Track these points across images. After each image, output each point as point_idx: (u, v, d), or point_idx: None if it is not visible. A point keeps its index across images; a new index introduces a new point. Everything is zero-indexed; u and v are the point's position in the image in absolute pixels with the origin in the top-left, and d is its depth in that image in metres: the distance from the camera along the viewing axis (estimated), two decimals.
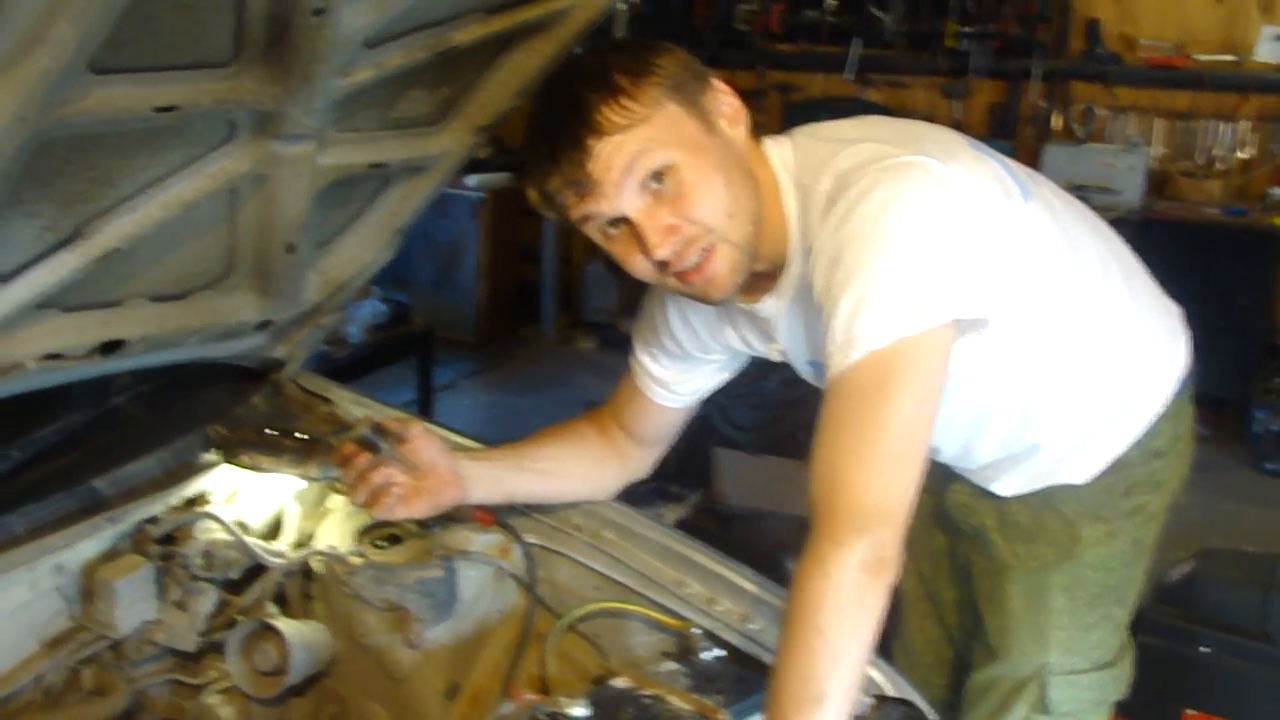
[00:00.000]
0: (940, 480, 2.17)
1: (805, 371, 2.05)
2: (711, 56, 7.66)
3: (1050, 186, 2.03)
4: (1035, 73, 7.06)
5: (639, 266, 1.77)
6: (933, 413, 1.67)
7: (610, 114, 1.67)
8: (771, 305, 1.92)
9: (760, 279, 1.89)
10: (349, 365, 5.26)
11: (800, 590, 1.59)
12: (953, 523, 2.25)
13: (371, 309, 5.49)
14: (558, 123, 1.70)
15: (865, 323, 1.61)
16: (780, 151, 1.84)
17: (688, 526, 4.40)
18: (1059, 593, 2.11)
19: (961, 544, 2.28)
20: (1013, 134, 7.16)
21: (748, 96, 7.30)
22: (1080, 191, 6.36)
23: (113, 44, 1.44)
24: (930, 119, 6.97)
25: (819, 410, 1.69)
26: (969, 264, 1.70)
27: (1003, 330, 1.85)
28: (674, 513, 4.40)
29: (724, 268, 1.77)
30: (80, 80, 1.46)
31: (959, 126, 7.18)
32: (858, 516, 1.58)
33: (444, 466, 2.07)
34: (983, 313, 1.76)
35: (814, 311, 1.74)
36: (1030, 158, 6.82)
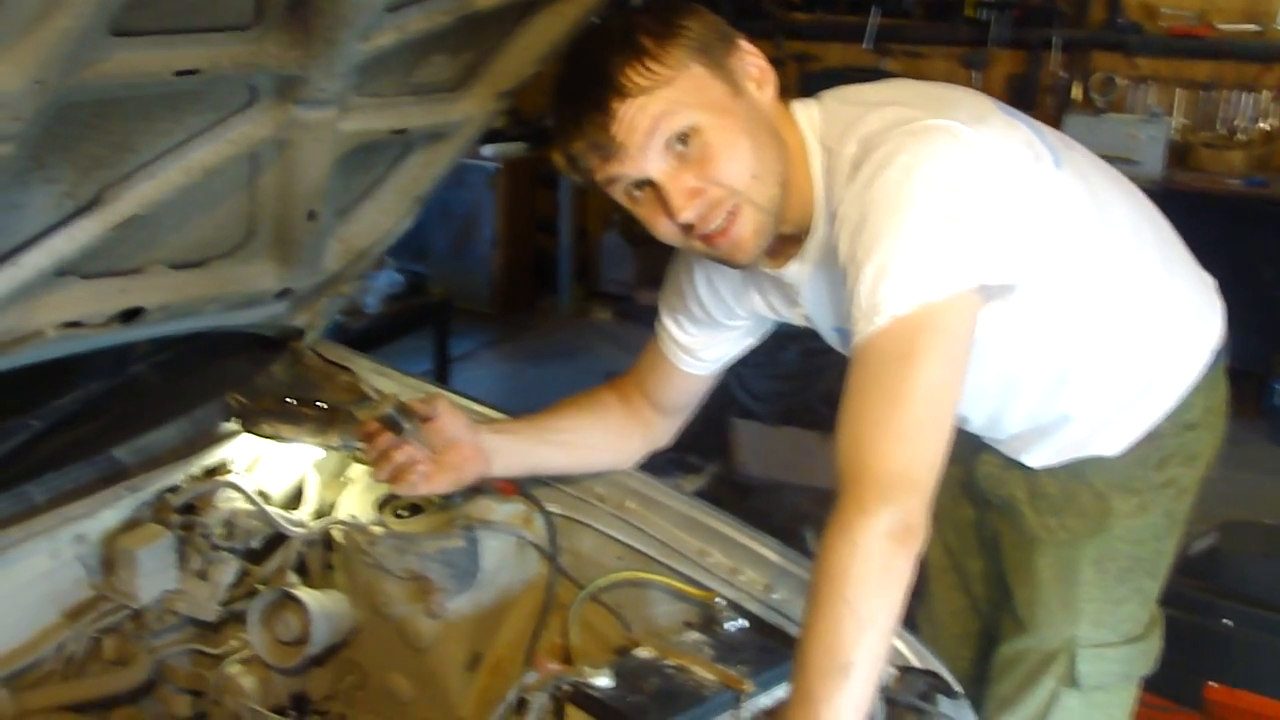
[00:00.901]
0: (969, 451, 2.14)
1: (831, 338, 2.03)
2: (730, 25, 7.61)
3: (1083, 152, 2.00)
4: (1055, 42, 7.00)
5: (664, 229, 1.76)
6: (959, 379, 1.65)
7: (634, 75, 1.65)
8: (795, 270, 1.90)
9: (785, 243, 1.87)
10: (366, 335, 5.24)
11: (826, 559, 1.57)
12: (981, 494, 2.23)
13: (388, 279, 5.47)
14: (581, 85, 1.68)
15: (889, 289, 1.60)
16: (808, 114, 1.82)
17: (706, 497, 4.33)
18: (1089, 565, 2.08)
19: (990, 515, 2.26)
20: (1033, 104, 7.09)
21: None
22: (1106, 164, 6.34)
23: (133, 5, 1.42)
24: None
25: (844, 378, 1.67)
26: (995, 229, 1.67)
27: (1031, 297, 1.82)
28: (692, 483, 4.38)
29: (748, 230, 1.76)
30: (100, 42, 1.44)
31: None
32: (884, 485, 1.57)
33: (468, 442, 2.06)
34: (1009, 279, 1.73)
35: (839, 277, 1.72)
36: (1050, 127, 6.76)
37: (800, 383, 4.52)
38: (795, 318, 2.02)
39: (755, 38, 6.25)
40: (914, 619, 2.51)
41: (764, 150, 1.73)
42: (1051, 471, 2.08)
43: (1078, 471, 2.06)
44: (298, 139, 1.88)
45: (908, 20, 7.37)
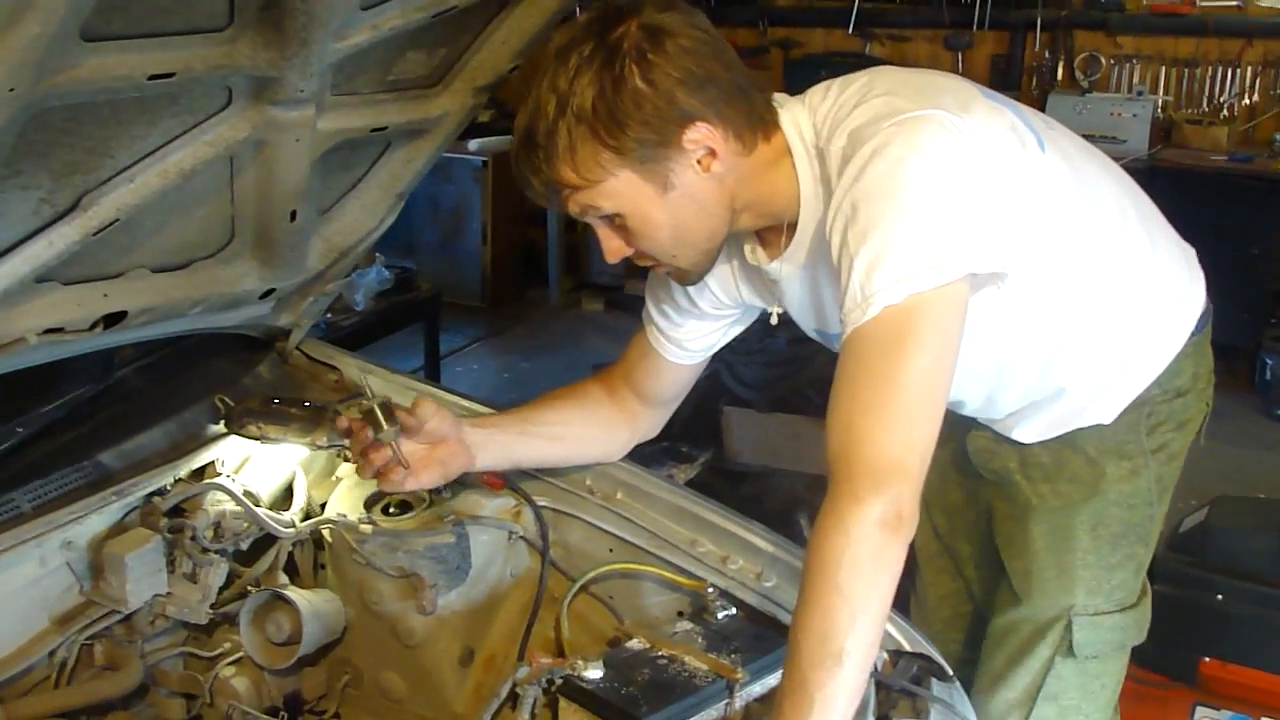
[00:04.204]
0: (960, 429, 2.16)
1: (811, 333, 2.05)
2: (712, 14, 7.57)
3: (1064, 131, 2.01)
4: (1038, 23, 7.00)
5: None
6: (950, 367, 1.66)
7: (566, 172, 1.73)
8: (779, 268, 1.93)
9: (776, 233, 1.90)
10: (356, 333, 5.24)
11: (818, 548, 1.59)
12: (973, 469, 2.24)
13: (377, 276, 5.46)
14: (527, 160, 1.76)
15: (881, 279, 1.61)
16: (795, 116, 1.83)
17: (698, 486, 4.39)
18: (1084, 531, 2.10)
19: (983, 491, 2.27)
20: (1017, 85, 7.10)
21: (749, 53, 7.27)
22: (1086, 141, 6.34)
23: (104, 10, 1.41)
24: None
25: (836, 367, 1.68)
26: (985, 217, 1.69)
27: (1021, 282, 1.83)
28: (684, 473, 4.39)
29: (676, 274, 1.90)
30: (72, 48, 1.43)
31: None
32: (875, 472, 1.58)
33: (452, 438, 2.08)
34: (1000, 266, 1.74)
35: (825, 277, 1.75)
36: (1034, 108, 6.75)
37: (790, 369, 4.52)
38: (772, 311, 2.05)
39: (739, 25, 6.29)
40: (904, 603, 2.53)
41: (688, 229, 1.81)
42: (1044, 442, 2.10)
43: (1070, 440, 2.08)
44: (275, 140, 1.87)
45: (890, 4, 7.38)
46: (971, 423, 2.17)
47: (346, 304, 5.23)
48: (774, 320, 2.07)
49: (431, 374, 5.90)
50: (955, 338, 1.66)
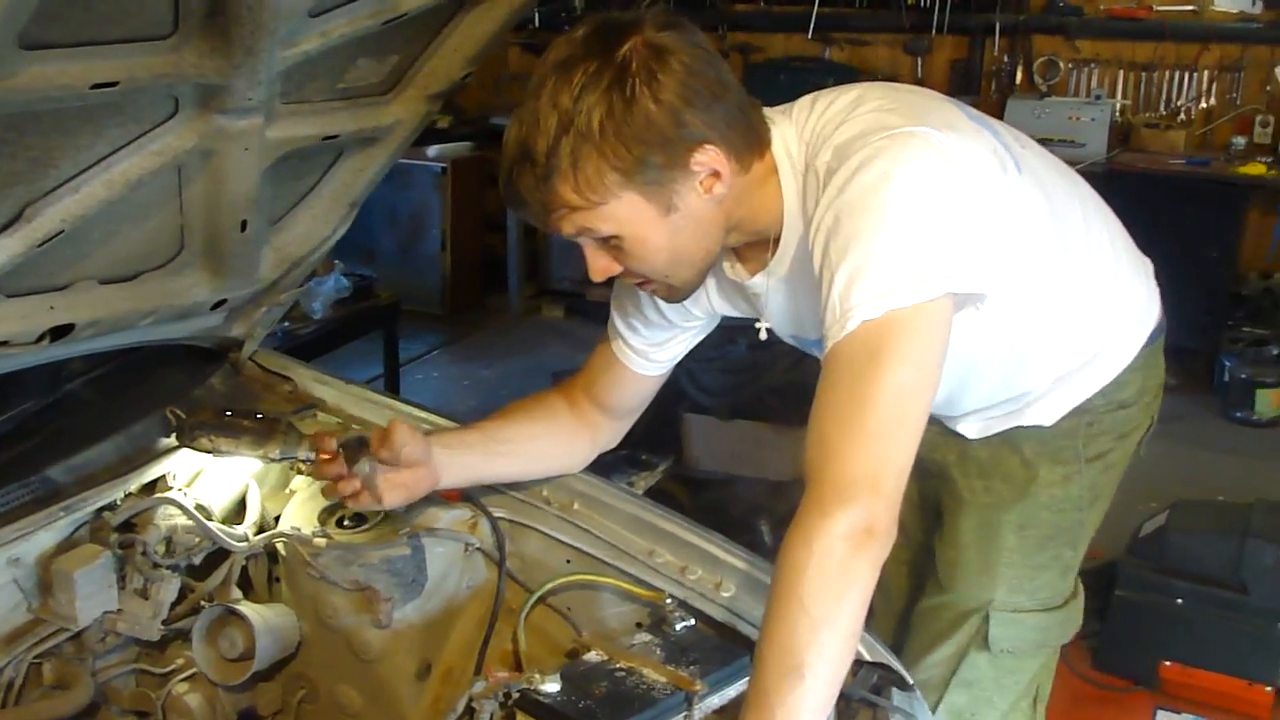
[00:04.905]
0: None
1: (787, 339, 2.06)
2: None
3: (1034, 150, 2.02)
4: (997, 27, 7.03)
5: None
6: (931, 384, 1.65)
7: (567, 192, 1.68)
8: (761, 282, 1.92)
9: (756, 249, 1.89)
10: (314, 341, 5.20)
11: (783, 561, 1.58)
12: (919, 460, 2.24)
13: (335, 284, 5.41)
14: (521, 178, 1.70)
15: (860, 294, 1.60)
16: (783, 133, 1.82)
17: (659, 493, 4.39)
18: (1011, 530, 2.13)
19: (930, 483, 2.29)
20: (976, 89, 7.12)
21: None
22: (1045, 145, 6.32)
23: (43, 17, 1.37)
24: (893, 78, 6.99)
25: (816, 381, 1.67)
26: (968, 237, 1.68)
27: (995, 299, 1.82)
28: (645, 480, 4.37)
29: (664, 293, 1.87)
30: (10, 56, 1.40)
31: (921, 84, 7.15)
32: (844, 486, 1.57)
33: (422, 462, 2.06)
34: (980, 287, 1.72)
35: (806, 288, 1.73)
36: (994, 113, 6.66)
37: (749, 376, 4.51)
38: (760, 320, 2.04)
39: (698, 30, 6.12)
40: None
41: (686, 249, 1.78)
42: (985, 438, 2.12)
43: (1009, 438, 2.11)
44: (224, 149, 1.84)
45: (850, 9, 7.38)
46: None
47: (304, 312, 5.18)
48: (763, 335, 2.06)
49: (390, 382, 5.86)
50: (936, 355, 1.65)
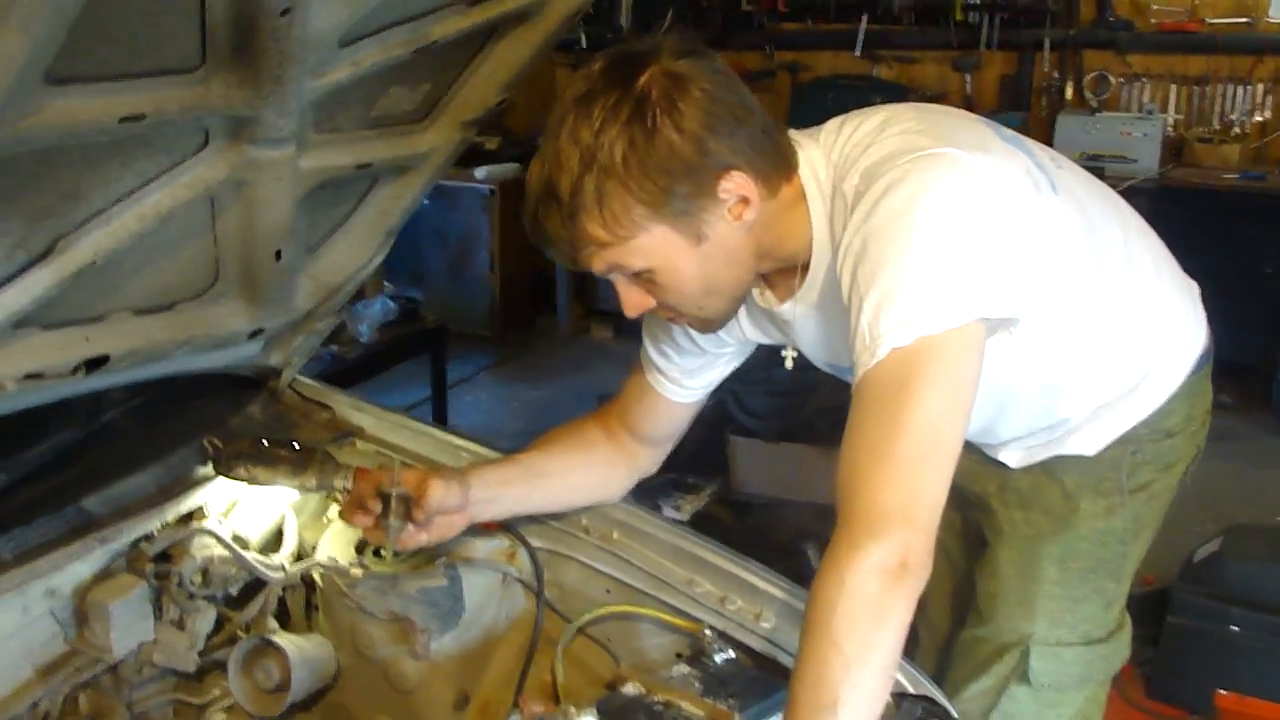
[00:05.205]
0: None
1: (823, 367, 2.03)
2: (718, 38, 7.59)
3: (1072, 169, 1.98)
4: (1046, 43, 6.96)
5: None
6: (965, 412, 1.61)
7: (594, 229, 1.66)
8: (790, 309, 1.89)
9: (787, 275, 1.86)
10: (361, 365, 5.20)
11: (815, 596, 1.54)
12: (959, 490, 2.20)
13: (382, 307, 5.42)
14: (548, 217, 1.68)
15: (889, 320, 1.57)
16: (810, 157, 1.79)
17: (706, 517, 4.37)
18: (1051, 562, 2.08)
19: (971, 513, 2.25)
20: (1026, 105, 7.07)
21: (756, 77, 7.22)
22: (1096, 161, 6.31)
23: (69, 53, 1.37)
24: (941, 94, 6.89)
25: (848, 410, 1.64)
26: (1000, 261, 1.64)
27: (1030, 324, 1.79)
28: (691, 504, 4.35)
29: (698, 324, 1.85)
30: (36, 92, 1.39)
31: (970, 100, 7.16)
32: (876, 519, 1.53)
33: (455, 511, 2.05)
34: (1013, 312, 1.69)
35: (837, 315, 1.70)
36: (1044, 129, 6.75)
37: (796, 398, 4.47)
38: (788, 347, 2.02)
39: (745, 49, 6.28)
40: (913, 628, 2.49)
41: (719, 279, 1.76)
42: (1026, 468, 2.07)
43: (1050, 469, 2.05)
44: (256, 179, 1.84)
45: (897, 26, 7.35)
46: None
47: (351, 336, 5.20)
48: (789, 364, 2.04)
49: (438, 405, 5.86)
50: (969, 382, 1.61)
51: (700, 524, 4.30)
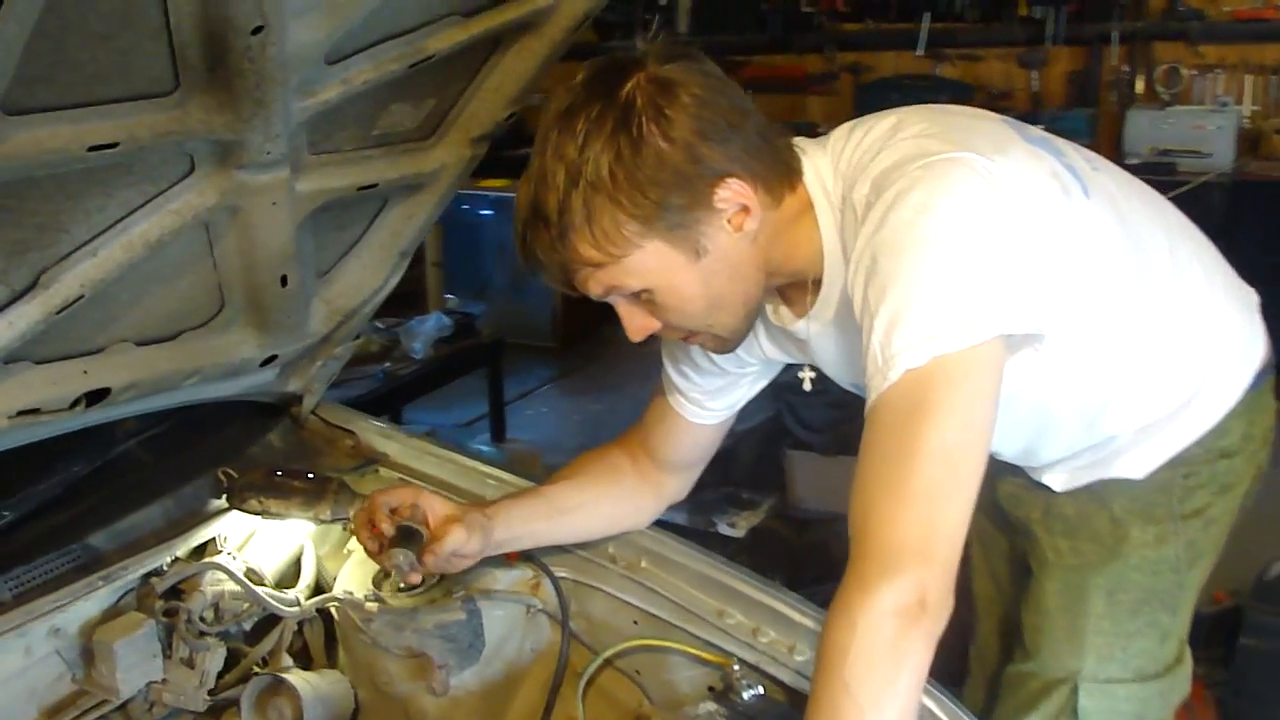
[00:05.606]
0: (993, 471, 1.98)
1: (849, 387, 1.91)
2: (778, 40, 7.49)
3: (1110, 172, 1.86)
4: (1115, 36, 6.78)
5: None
6: (985, 437, 1.49)
7: (585, 249, 1.57)
8: (804, 327, 1.79)
9: (799, 290, 1.76)
10: (415, 381, 5.20)
11: (825, 640, 1.44)
12: (1004, 515, 2.11)
13: (436, 323, 5.40)
14: (536, 239, 1.60)
15: (902, 340, 1.45)
16: (816, 164, 1.69)
17: (763, 533, 4.27)
18: (1099, 594, 1.95)
19: (1017, 539, 2.14)
20: (1095, 101, 6.89)
21: (818, 80, 7.11)
22: (1167, 156, 6.14)
23: (25, 82, 1.32)
24: (1007, 92, 6.71)
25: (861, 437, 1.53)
26: (1020, 272, 1.52)
27: (1063, 338, 1.68)
28: (748, 519, 4.25)
29: (710, 345, 1.76)
30: None
31: (1038, 97, 6.99)
32: (890, 556, 1.42)
33: (473, 556, 1.98)
34: (1035, 327, 1.58)
35: (855, 333, 1.58)
36: (1113, 124, 6.58)
37: (854, 410, 4.35)
38: (805, 367, 1.93)
39: (806, 51, 6.16)
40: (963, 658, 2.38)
41: (723, 294, 1.66)
42: (1071, 492, 1.95)
43: (1098, 494, 1.92)
44: (250, 205, 1.77)
45: (961, 23, 7.19)
46: (1006, 466, 2.02)
47: (405, 352, 5.17)
48: (806, 386, 1.94)
49: (495, 420, 5.83)
50: (988, 405, 1.49)
51: (758, 540, 4.21)
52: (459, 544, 1.91)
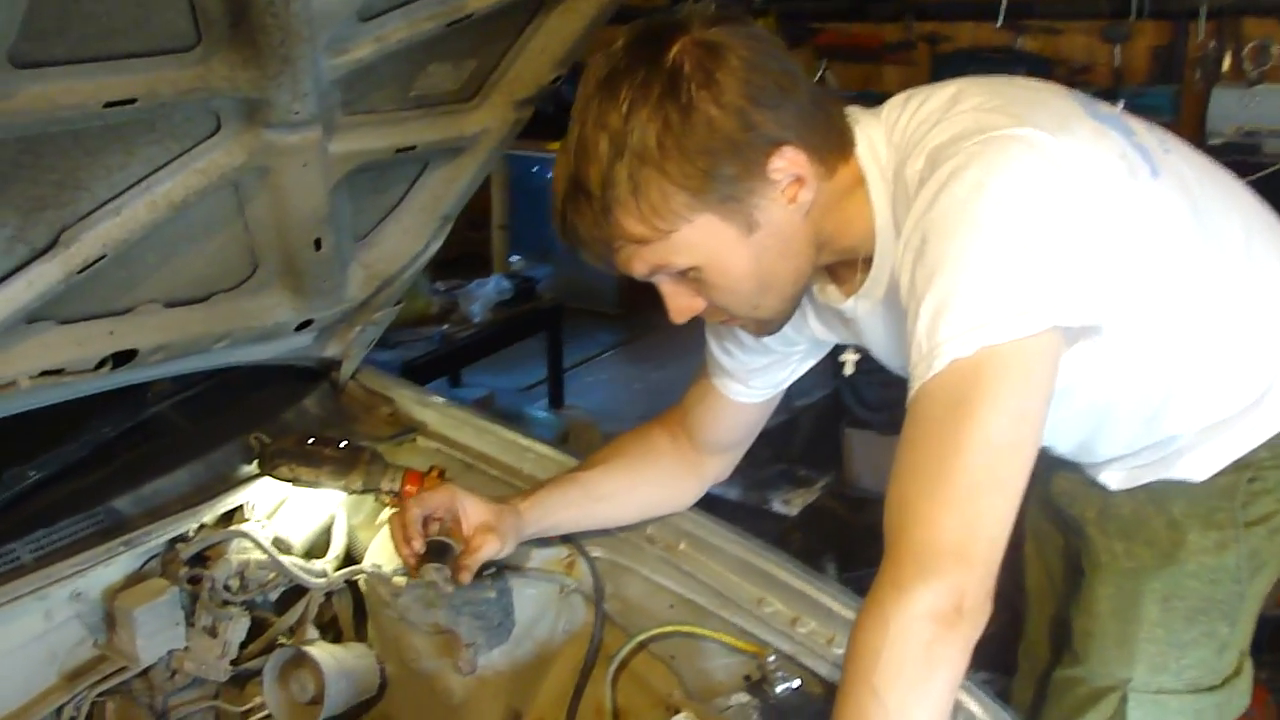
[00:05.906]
0: (1045, 465, 1.90)
1: (900, 372, 1.81)
2: (855, 8, 7.34)
3: (1183, 154, 1.74)
4: (1202, 10, 6.57)
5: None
6: (1034, 434, 1.41)
7: (631, 224, 1.48)
8: (853, 306, 1.70)
9: (849, 268, 1.67)
10: (472, 345, 5.17)
11: (856, 639, 1.37)
12: (1058, 511, 2.02)
13: (496, 286, 5.36)
14: (577, 214, 1.50)
15: (949, 328, 1.37)
16: (869, 135, 1.59)
17: (818, 511, 4.19)
18: (1153, 601, 1.85)
19: (1071, 537, 2.04)
20: (1179, 78, 6.67)
21: (894, 49, 6.93)
22: (1253, 138, 5.93)
23: (37, 35, 1.27)
24: (1088, 66, 6.49)
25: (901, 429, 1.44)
26: (1078, 259, 1.43)
27: (1125, 328, 1.58)
28: (803, 497, 4.19)
29: (753, 328, 1.69)
30: (2, 76, 1.29)
31: (1119, 73, 6.80)
32: (927, 557, 1.34)
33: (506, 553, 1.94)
34: (1094, 319, 1.48)
35: (903, 314, 1.49)
36: (1198, 103, 6.36)
37: None
38: (849, 349, 1.85)
39: (883, 20, 5.99)
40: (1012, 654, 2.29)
41: (775, 272, 1.57)
42: (1129, 492, 1.85)
43: (1156, 495, 1.82)
44: (279, 165, 1.72)
45: None
46: (1060, 462, 1.93)
47: (464, 315, 5.13)
48: (848, 369, 1.86)
49: (554, 386, 5.78)
50: (1039, 401, 1.41)
51: (811, 518, 4.13)
52: (492, 554, 1.88)
